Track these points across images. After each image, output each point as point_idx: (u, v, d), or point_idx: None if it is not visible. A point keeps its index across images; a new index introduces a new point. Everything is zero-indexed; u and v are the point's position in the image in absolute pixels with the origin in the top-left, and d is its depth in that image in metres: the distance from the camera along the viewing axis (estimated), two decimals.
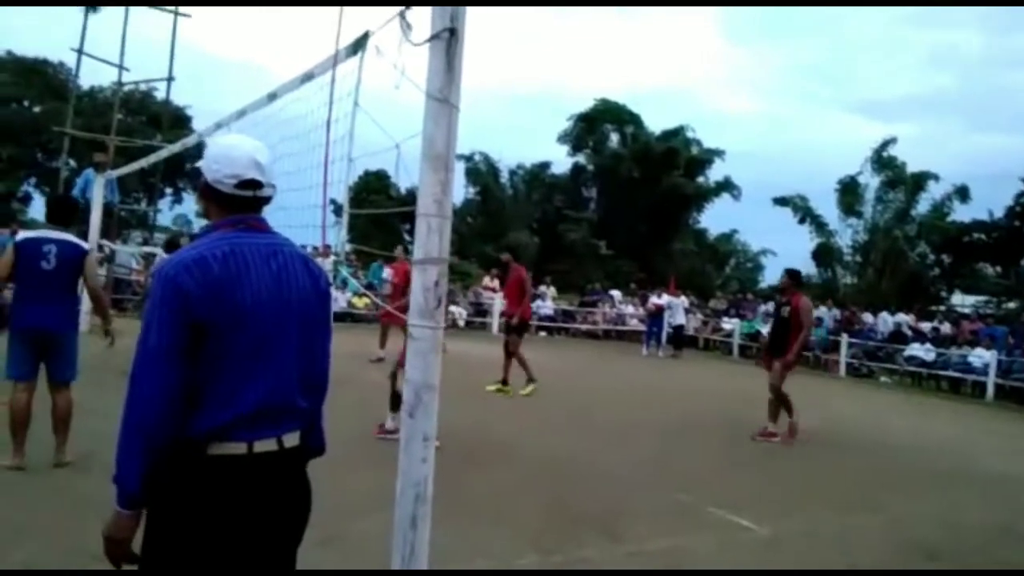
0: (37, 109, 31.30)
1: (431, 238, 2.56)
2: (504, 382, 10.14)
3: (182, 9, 15.90)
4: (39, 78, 31.33)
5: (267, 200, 2.07)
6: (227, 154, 2.00)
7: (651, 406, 10.40)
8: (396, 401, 6.28)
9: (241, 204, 2.00)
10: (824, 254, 29.93)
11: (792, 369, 8.45)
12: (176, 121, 27.33)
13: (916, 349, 17.56)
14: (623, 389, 12.10)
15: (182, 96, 32.15)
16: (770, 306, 21.09)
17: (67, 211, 5.29)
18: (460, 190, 33.97)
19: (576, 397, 10.60)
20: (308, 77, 3.64)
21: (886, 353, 18.14)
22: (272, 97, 4.28)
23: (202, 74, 43.69)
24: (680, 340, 19.46)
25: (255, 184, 1.99)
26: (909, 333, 18.92)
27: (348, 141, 3.56)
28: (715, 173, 34.11)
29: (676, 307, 19.53)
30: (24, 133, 29.83)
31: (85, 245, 5.23)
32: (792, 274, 9.02)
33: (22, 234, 5.50)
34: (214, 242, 1.94)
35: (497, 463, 6.29)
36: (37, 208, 31.01)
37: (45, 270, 4.85)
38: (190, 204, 35.75)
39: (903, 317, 20.16)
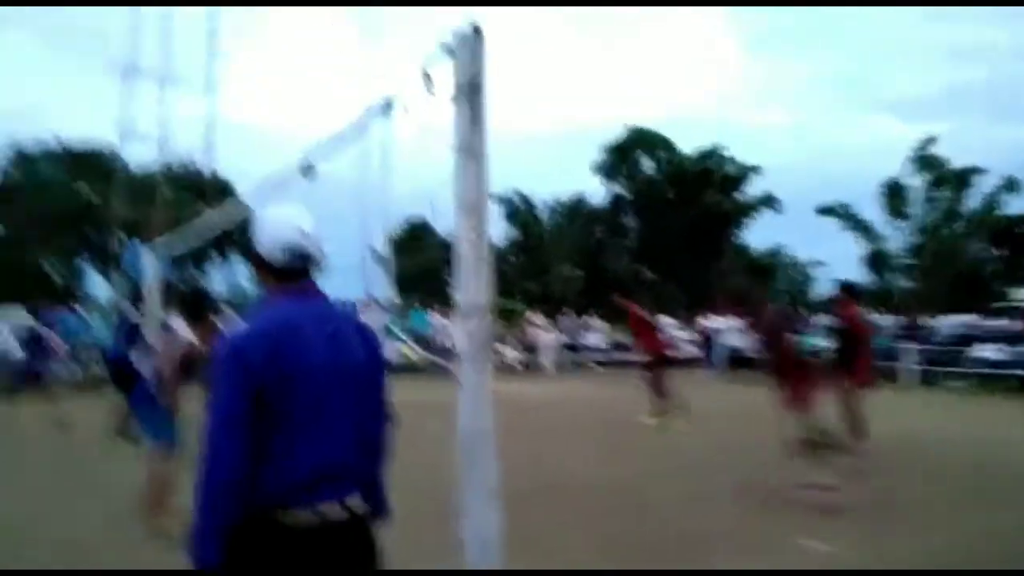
0: (88, 193, 32.58)
1: (471, 286, 2.57)
2: (663, 414, 10.11)
3: (218, 84, 16.52)
4: (88, 163, 32.66)
5: (317, 266, 2.14)
6: (273, 225, 2.09)
7: (717, 432, 10.18)
8: (816, 447, 6.32)
9: (292, 272, 2.07)
10: (875, 260, 29.25)
11: (866, 385, 8.05)
12: (219, 191, 28.17)
13: (983, 350, 16.94)
14: (685, 417, 11.87)
15: (222, 166, 33.15)
16: (825, 319, 20.64)
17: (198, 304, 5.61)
18: (499, 230, 34.20)
19: (640, 427, 10.44)
20: (340, 140, 3.72)
21: (951, 357, 17.52)
22: (307, 162, 4.38)
23: (241, 142, 45.11)
24: (737, 362, 19.10)
25: (303, 251, 2.06)
26: (975, 334, 18.27)
27: (383, 200, 3.62)
28: (753, 189, 33.77)
29: (729, 329, 19.21)
30: (77, 214, 31.07)
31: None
32: (845, 287, 8.70)
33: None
34: (270, 311, 2.04)
35: (565, 497, 6.21)
36: (93, 285, 32.14)
37: None
38: (240, 271, 36.65)
39: (966, 317, 19.50)
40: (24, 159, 32.91)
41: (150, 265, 11.98)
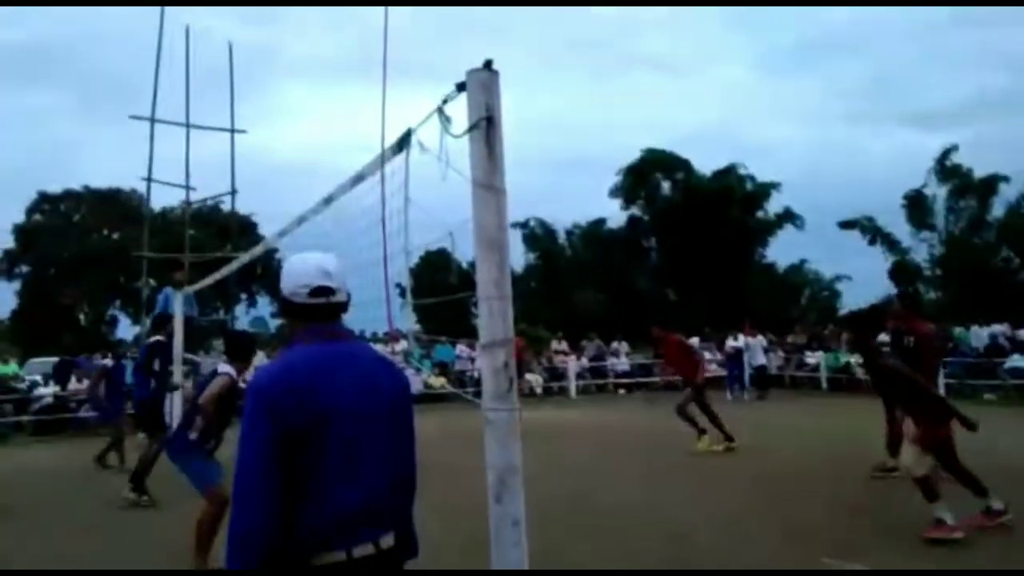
0: (116, 236, 33.20)
1: (494, 320, 2.58)
2: (729, 439, 10.07)
3: (238, 126, 16.83)
4: (115, 207, 33.34)
5: (343, 307, 2.15)
6: (297, 267, 2.12)
7: (745, 452, 10.04)
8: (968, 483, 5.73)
9: (317, 313, 2.08)
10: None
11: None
12: (243, 230, 28.59)
13: (1018, 360, 16.61)
14: (714, 438, 11.73)
15: (246, 205, 33.70)
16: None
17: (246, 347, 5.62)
18: (520, 257, 34.31)
19: (666, 450, 10.33)
20: (359, 178, 3.77)
21: (985, 368, 17.20)
22: (328, 201, 4.45)
23: (262, 181, 45.96)
24: (764, 381, 18.89)
25: (327, 291, 2.07)
26: (1007, 344, 17.94)
27: (404, 234, 3.65)
28: (774, 206, 33.62)
29: (754, 348, 19.02)
30: (106, 260, 31.65)
31: None
32: (906, 297, 7.63)
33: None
34: (297, 352, 2.04)
35: (595, 528, 6.13)
36: (123, 329, 32.61)
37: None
38: (264, 307, 37.03)
39: (998, 328, 19.16)
40: (51, 203, 33.65)
41: (179, 307, 12.18)
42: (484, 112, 2.51)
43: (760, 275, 33.49)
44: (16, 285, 33.67)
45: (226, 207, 24.08)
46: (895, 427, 7.54)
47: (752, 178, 33.64)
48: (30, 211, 33.61)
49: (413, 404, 2.31)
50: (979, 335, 18.85)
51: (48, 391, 15.65)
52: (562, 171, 62.28)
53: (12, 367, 17.24)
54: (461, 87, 2.55)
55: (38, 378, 16.56)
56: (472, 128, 2.51)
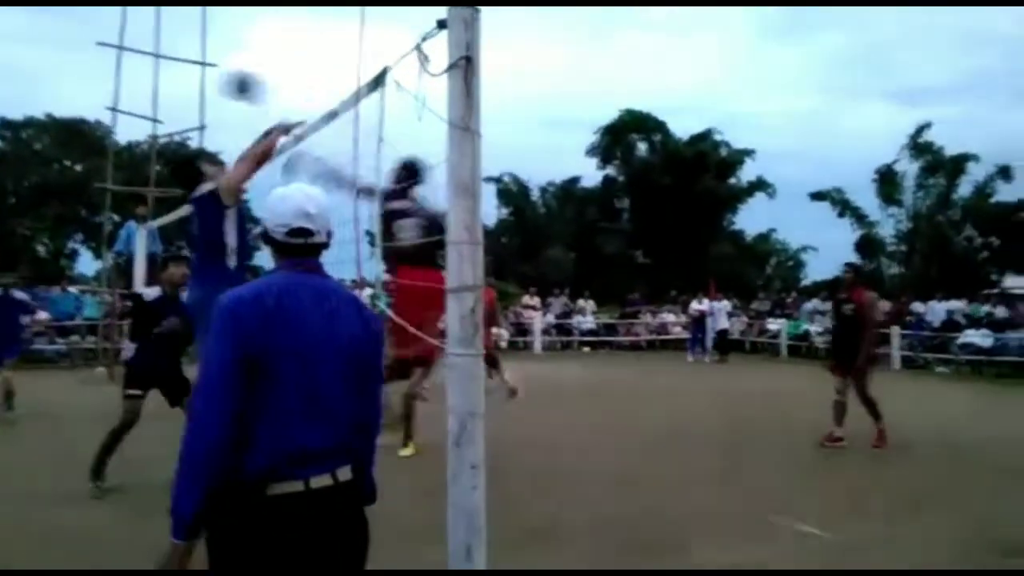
0: (79, 168, 32.30)
1: (464, 266, 2.56)
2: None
3: (211, 59, 16.30)
4: (78, 138, 32.35)
5: (323, 246, 2.15)
6: (278, 205, 2.11)
7: (703, 415, 10.23)
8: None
9: (295, 250, 2.09)
10: (867, 246, 29.37)
11: (870, 373, 7.84)
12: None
13: (971, 336, 17.06)
14: (672, 399, 11.94)
15: (216, 143, 32.80)
16: (816, 303, 20.74)
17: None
18: (492, 211, 34.12)
19: (624, 411, 10.49)
20: (332, 115, 3.68)
21: (940, 342, 17.65)
22: (298, 139, 4.34)
23: (234, 119, 44.71)
24: (725, 345, 19.21)
25: (305, 232, 2.07)
26: (962, 320, 18.40)
27: (376, 175, 3.59)
28: (747, 173, 33.78)
29: (719, 311, 19.29)
30: (68, 192, 30.82)
31: None
32: (855, 267, 8.43)
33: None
34: (270, 279, 2.06)
35: (550, 484, 6.22)
36: (85, 264, 31.96)
37: None
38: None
39: (955, 304, 19.62)
40: (11, 130, 32.54)
41: (141, 242, 11.92)
42: (464, 51, 2.45)
43: (728, 241, 33.75)
44: None
45: (195, 144, 23.56)
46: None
47: (727, 144, 33.70)
48: None
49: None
50: (935, 310, 19.28)
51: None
52: (541, 128, 61.71)
53: None
54: (442, 24, 2.48)
55: None
56: (451, 67, 2.45)
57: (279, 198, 2.13)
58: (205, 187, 4.61)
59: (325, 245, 2.15)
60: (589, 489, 6.11)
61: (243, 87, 4.52)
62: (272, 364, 1.90)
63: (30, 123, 32.71)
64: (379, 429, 2.26)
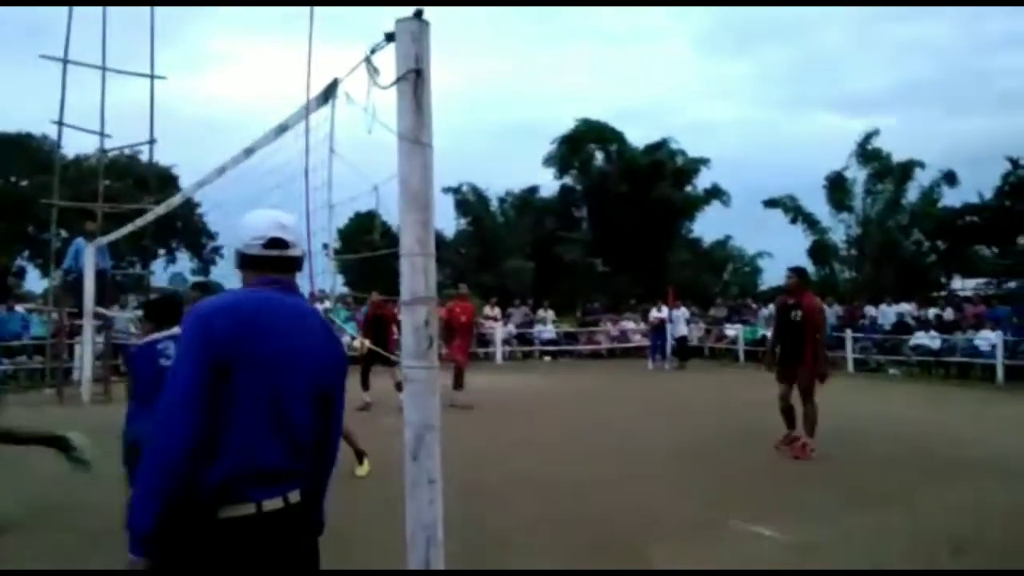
0: (24, 183, 31.48)
1: (416, 277, 2.55)
2: None
3: (158, 71, 16.03)
4: (23, 152, 31.54)
5: (297, 261, 2.14)
6: (252, 221, 2.12)
7: (661, 421, 10.32)
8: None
9: (271, 265, 2.08)
10: (820, 251, 29.93)
11: (823, 380, 7.67)
12: (163, 182, 27.47)
13: (921, 338, 17.50)
14: (632, 406, 12.02)
15: (167, 157, 32.21)
16: (772, 309, 21.09)
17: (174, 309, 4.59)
18: (451, 222, 34.05)
19: (585, 419, 10.52)
20: (283, 128, 3.65)
21: (892, 345, 18.07)
22: (249, 152, 4.29)
23: (183, 132, 43.96)
24: (685, 351, 19.41)
25: (280, 243, 2.07)
26: (912, 322, 18.87)
27: (328, 188, 3.55)
28: (703, 182, 34.22)
29: (677, 318, 19.49)
30: (13, 208, 29.97)
31: None
32: (800, 272, 8.24)
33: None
34: (245, 293, 2.07)
35: (510, 493, 6.21)
36: (32, 282, 31.07)
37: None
38: (184, 263, 35.86)
39: (905, 307, 20.12)
40: None
41: (90, 259, 11.65)
42: (413, 64, 2.45)
43: (685, 249, 34.12)
44: None
45: (144, 158, 23.10)
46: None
47: (683, 153, 34.12)
48: None
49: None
50: (886, 313, 19.74)
51: None
52: (499, 138, 61.87)
53: None
54: (390, 37, 2.47)
55: None
56: (400, 79, 2.45)
57: (251, 217, 2.14)
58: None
59: (300, 260, 2.15)
60: (547, 496, 6.12)
61: None
62: (240, 376, 1.88)
63: None
64: (336, 456, 2.25)
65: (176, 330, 4.51)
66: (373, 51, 2.54)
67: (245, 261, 2.10)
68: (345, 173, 3.29)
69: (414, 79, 2.46)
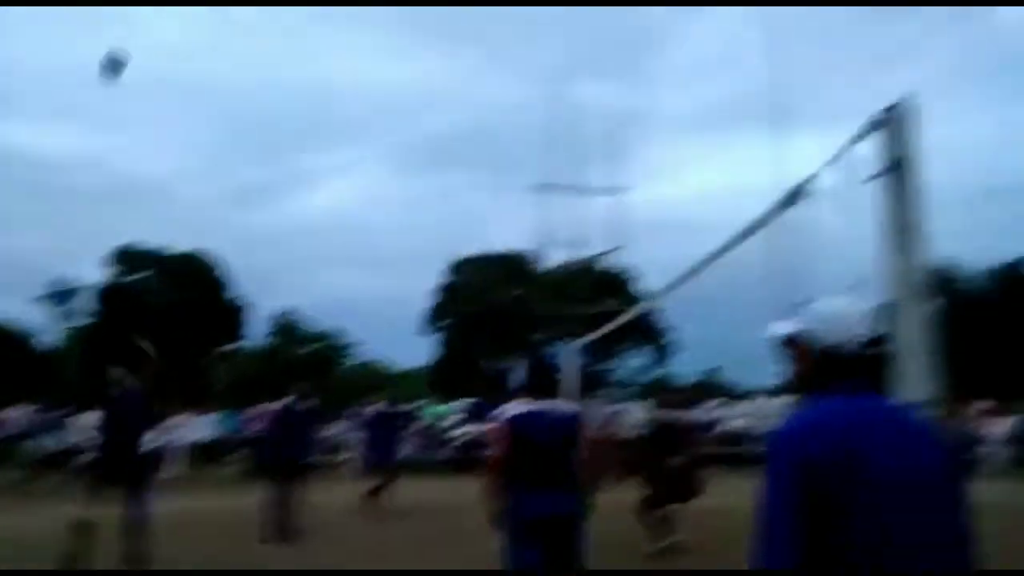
0: (513, 295, 37.13)
1: (917, 378, 2.34)
2: None
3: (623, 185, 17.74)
4: (511, 266, 37.30)
5: (885, 360, 1.84)
6: (847, 313, 1.82)
7: None
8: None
9: (861, 366, 1.78)
10: None
11: None
12: (622, 284, 30.01)
13: None
14: None
15: (627, 260, 35.37)
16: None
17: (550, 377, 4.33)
18: None
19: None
20: (750, 232, 3.73)
21: None
22: (713, 257, 4.47)
23: (647, 236, 46.95)
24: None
25: (880, 340, 1.80)
26: None
27: (801, 283, 3.49)
28: None
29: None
30: (507, 315, 35.42)
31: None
32: None
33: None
34: (828, 404, 1.76)
35: None
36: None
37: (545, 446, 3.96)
38: (639, 358, 38.07)
39: None
40: (462, 266, 38.85)
41: (569, 360, 13.16)
42: (897, 152, 2.33)
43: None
44: (437, 336, 39.21)
45: (607, 263, 25.47)
46: None
47: None
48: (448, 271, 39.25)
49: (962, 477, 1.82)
50: None
51: (468, 429, 17.20)
52: (972, 205, 53.71)
53: (446, 407, 19.60)
54: (874, 126, 2.39)
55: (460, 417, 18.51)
56: (883, 173, 2.34)
57: (844, 306, 1.85)
58: None
59: (887, 359, 1.85)
60: None
61: (114, 67, 4.59)
62: (841, 508, 1.61)
63: (479, 258, 38.83)
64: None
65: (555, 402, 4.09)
66: (855, 143, 2.47)
67: (829, 360, 1.80)
68: (821, 267, 3.20)
69: (899, 167, 2.33)
